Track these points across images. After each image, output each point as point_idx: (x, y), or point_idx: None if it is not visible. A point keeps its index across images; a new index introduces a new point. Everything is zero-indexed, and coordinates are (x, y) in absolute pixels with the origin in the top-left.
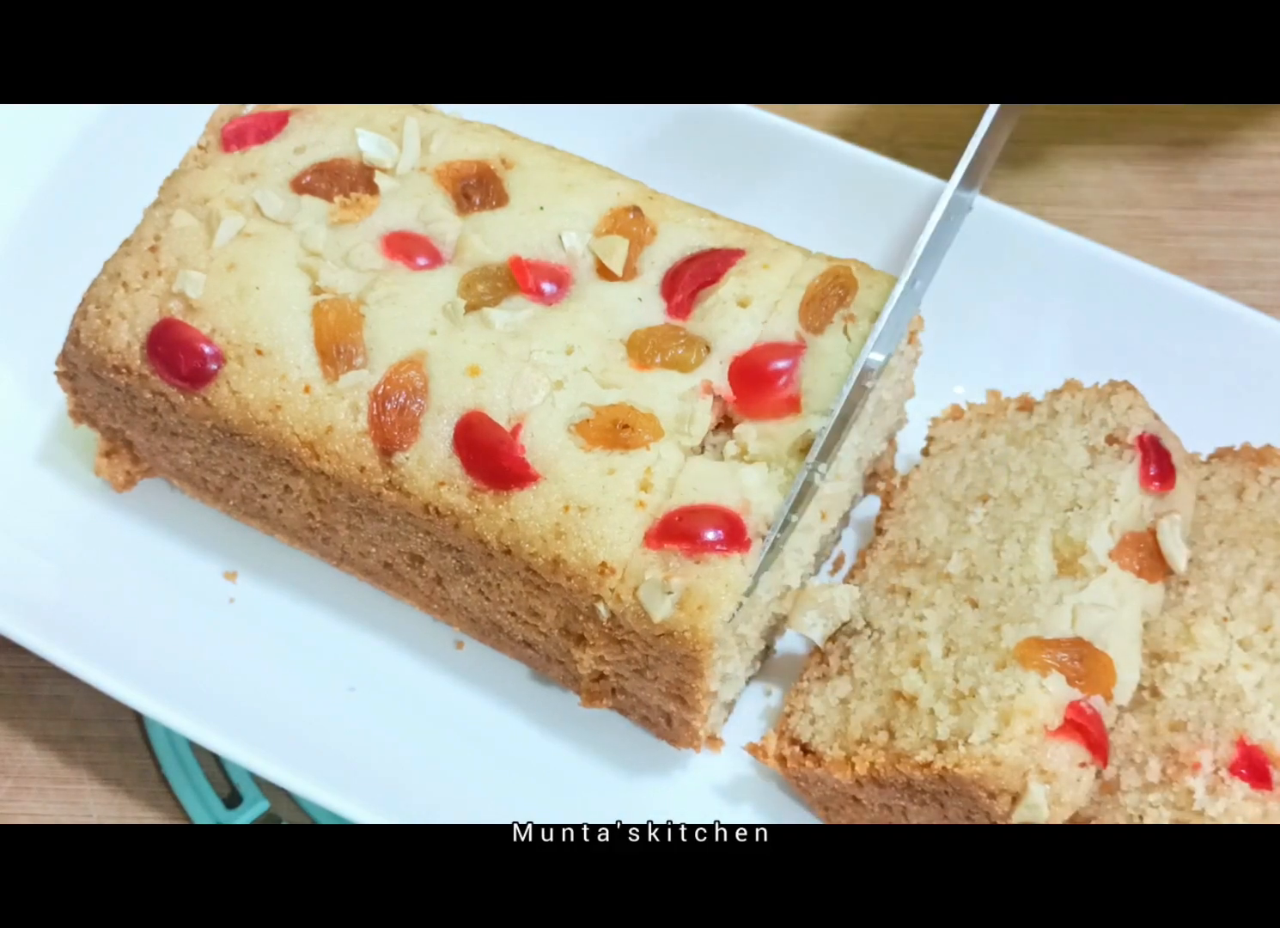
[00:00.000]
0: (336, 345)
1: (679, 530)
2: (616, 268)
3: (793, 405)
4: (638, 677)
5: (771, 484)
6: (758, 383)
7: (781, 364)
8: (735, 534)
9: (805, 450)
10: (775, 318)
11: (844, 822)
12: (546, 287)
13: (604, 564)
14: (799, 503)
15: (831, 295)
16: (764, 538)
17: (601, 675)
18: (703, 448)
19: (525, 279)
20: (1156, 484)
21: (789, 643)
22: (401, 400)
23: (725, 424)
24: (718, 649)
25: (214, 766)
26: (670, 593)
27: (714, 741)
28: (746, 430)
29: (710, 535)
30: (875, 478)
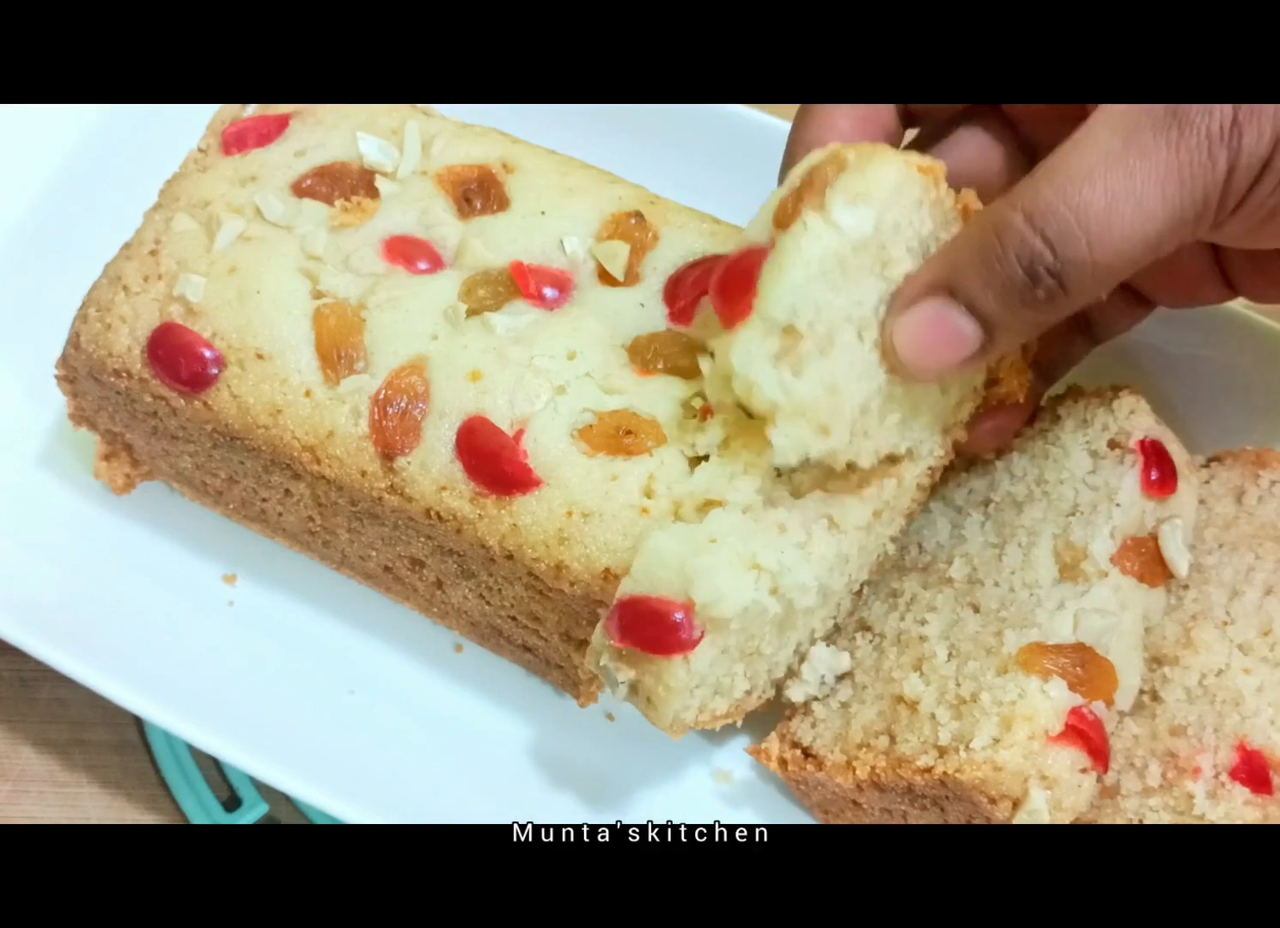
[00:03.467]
0: (337, 350)
1: (625, 625)
2: (618, 273)
3: None
4: None
5: (727, 569)
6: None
7: None
8: (678, 638)
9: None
10: None
11: None
12: (548, 291)
13: (607, 570)
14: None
15: None
16: (720, 632)
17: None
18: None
19: (527, 284)
20: (1158, 489)
21: None
22: (403, 405)
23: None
24: (675, 728)
25: (213, 769)
26: (622, 682)
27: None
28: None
29: (653, 635)
30: None
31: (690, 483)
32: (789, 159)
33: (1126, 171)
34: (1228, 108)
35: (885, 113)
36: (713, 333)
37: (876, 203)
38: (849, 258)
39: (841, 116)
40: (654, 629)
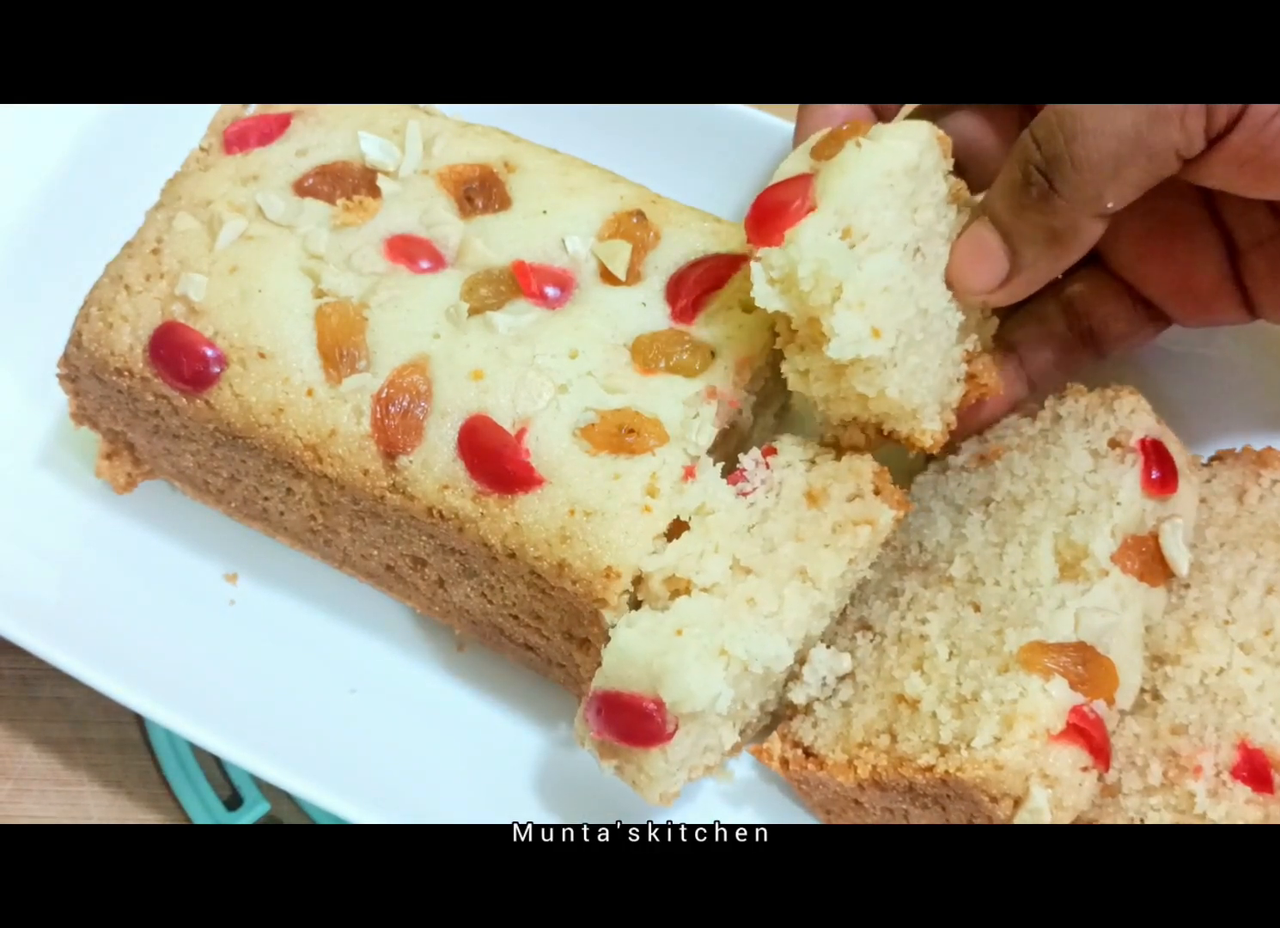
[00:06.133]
0: (339, 349)
1: (601, 718)
2: (620, 272)
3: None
4: None
5: (695, 664)
6: None
7: None
8: (651, 732)
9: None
10: None
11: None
12: (550, 290)
13: (609, 568)
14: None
15: None
16: (694, 723)
17: None
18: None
19: (528, 283)
20: (1158, 488)
21: None
22: (405, 404)
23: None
24: (663, 800)
25: (215, 767)
26: (608, 768)
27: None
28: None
29: (628, 729)
30: None
31: (661, 559)
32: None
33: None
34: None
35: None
36: (715, 333)
37: (918, 143)
38: (900, 180)
39: (843, 111)
40: (629, 724)
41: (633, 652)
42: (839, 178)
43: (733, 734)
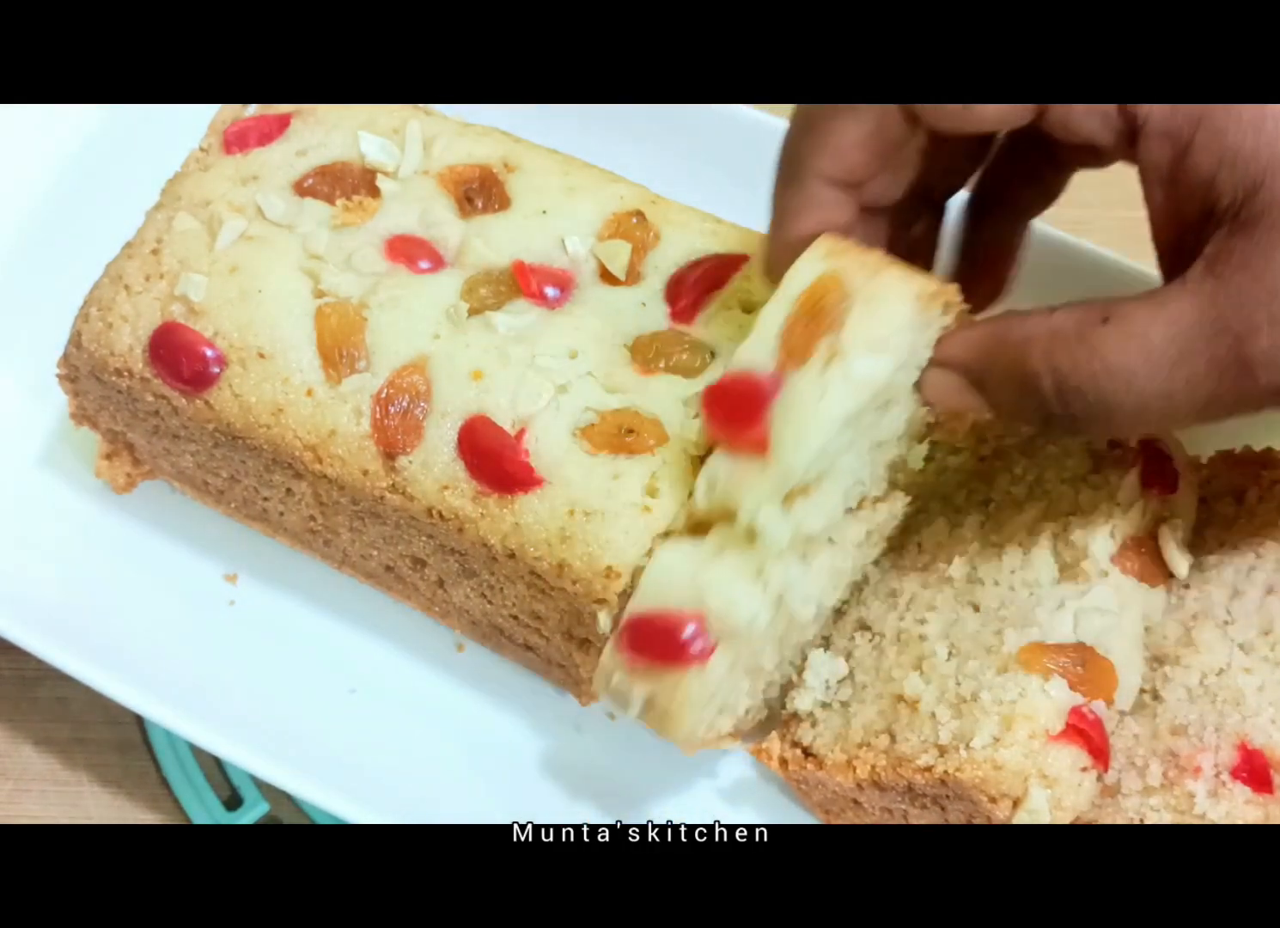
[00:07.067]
0: (339, 349)
1: (637, 642)
2: (619, 272)
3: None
4: None
5: (737, 579)
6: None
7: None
8: (690, 648)
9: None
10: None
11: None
12: (549, 291)
13: (609, 568)
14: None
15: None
16: (732, 641)
17: None
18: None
19: (528, 283)
20: (1158, 488)
21: None
22: (404, 404)
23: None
24: (689, 742)
25: (214, 768)
26: (636, 700)
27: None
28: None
29: (668, 649)
30: None
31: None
32: (788, 174)
33: (1166, 380)
34: None
35: (891, 119)
36: (714, 333)
37: (893, 349)
38: (866, 407)
39: (847, 130)
40: (666, 643)
41: (676, 568)
42: (797, 438)
43: (745, 700)
